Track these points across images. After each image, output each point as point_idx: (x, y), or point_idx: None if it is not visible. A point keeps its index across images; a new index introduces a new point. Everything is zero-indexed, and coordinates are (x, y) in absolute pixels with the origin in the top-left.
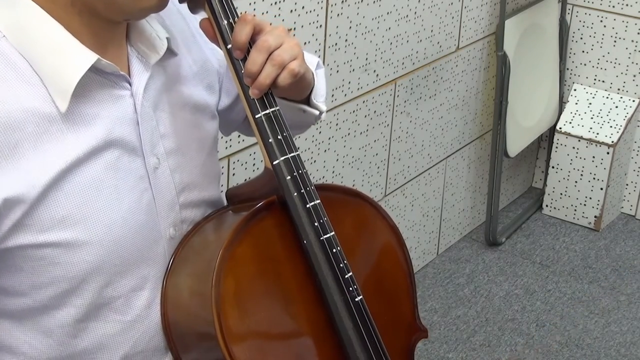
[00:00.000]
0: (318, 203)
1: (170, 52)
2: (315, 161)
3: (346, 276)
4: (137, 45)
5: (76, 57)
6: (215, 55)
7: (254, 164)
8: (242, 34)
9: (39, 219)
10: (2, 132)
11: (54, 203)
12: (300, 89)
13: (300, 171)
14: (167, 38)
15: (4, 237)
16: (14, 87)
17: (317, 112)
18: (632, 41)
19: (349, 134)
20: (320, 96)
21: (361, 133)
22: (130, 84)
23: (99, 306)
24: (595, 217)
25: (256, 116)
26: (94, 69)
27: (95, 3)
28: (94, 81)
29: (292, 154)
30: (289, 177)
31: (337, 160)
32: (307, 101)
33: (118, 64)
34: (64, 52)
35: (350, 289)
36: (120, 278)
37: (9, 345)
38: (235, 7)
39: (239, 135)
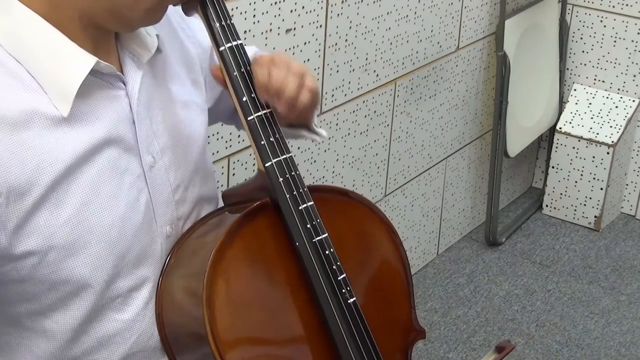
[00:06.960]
0: (311, 205)
1: (157, 50)
2: (315, 161)
3: (339, 278)
4: (127, 43)
5: (75, 61)
6: (196, 49)
7: (253, 164)
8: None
9: (42, 220)
10: (9, 130)
11: (56, 205)
12: (312, 107)
13: (293, 173)
14: (156, 35)
15: (10, 244)
16: (16, 93)
17: (317, 138)
18: (632, 41)
19: (349, 134)
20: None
21: (361, 133)
22: (124, 84)
23: (100, 307)
24: (595, 217)
25: (249, 118)
26: (92, 71)
27: (106, 22)
28: (92, 83)
29: (284, 156)
30: (281, 179)
31: (337, 160)
32: (306, 125)
33: (111, 64)
34: (63, 57)
35: (344, 290)
36: (120, 278)
37: (9, 351)
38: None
39: (239, 135)
